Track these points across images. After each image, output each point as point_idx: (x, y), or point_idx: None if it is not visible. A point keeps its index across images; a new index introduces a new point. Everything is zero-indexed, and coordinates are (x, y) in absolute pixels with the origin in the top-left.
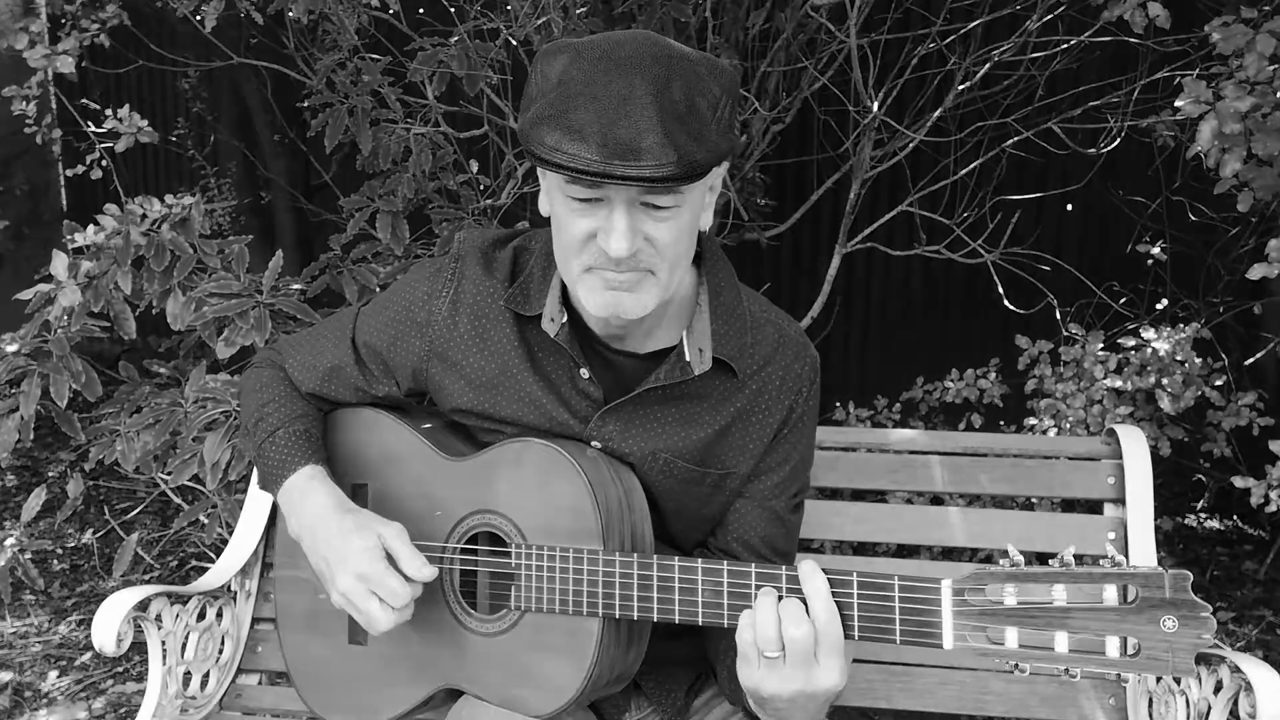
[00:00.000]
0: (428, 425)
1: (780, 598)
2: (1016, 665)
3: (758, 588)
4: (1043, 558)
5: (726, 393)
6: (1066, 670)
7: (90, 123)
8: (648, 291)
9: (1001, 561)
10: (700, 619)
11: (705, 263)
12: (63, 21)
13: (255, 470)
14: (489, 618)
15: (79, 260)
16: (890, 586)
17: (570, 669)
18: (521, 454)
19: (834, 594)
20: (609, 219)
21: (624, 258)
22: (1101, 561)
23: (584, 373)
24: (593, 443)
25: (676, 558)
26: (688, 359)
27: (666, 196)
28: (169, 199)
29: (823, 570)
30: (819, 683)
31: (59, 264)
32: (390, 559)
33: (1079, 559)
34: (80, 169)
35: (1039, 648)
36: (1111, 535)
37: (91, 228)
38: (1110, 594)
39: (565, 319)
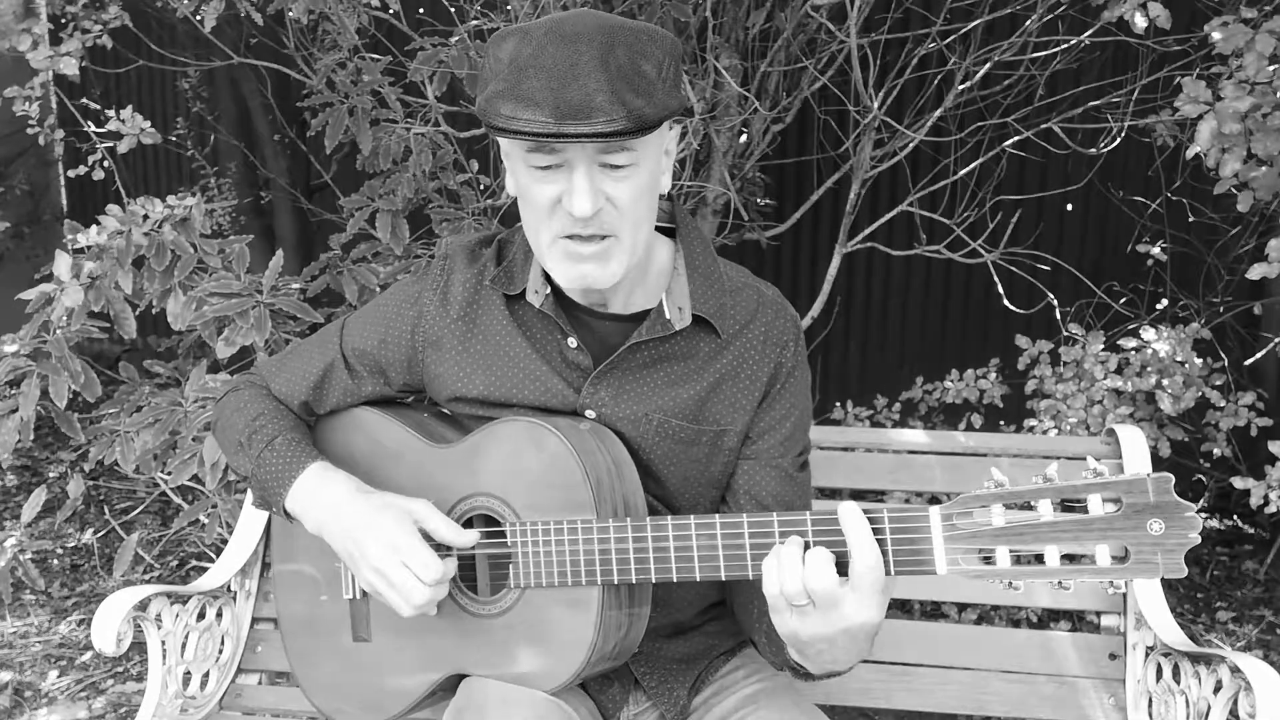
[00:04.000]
0: (412, 416)
1: (808, 545)
2: (1010, 583)
3: (754, 537)
4: (1041, 558)
5: (711, 352)
6: (1060, 583)
7: (91, 123)
8: (615, 259)
9: (987, 484)
10: (698, 574)
11: (680, 232)
12: (63, 21)
13: (252, 487)
14: (491, 599)
15: (81, 260)
16: (880, 519)
17: (574, 639)
18: (506, 433)
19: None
20: (571, 180)
21: (588, 217)
22: (1084, 474)
23: (571, 342)
24: (586, 412)
25: (669, 517)
26: (668, 315)
27: (622, 154)
28: (171, 199)
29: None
30: (856, 618)
31: (62, 264)
32: (424, 536)
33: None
34: (82, 169)
35: (1031, 563)
36: None
37: (94, 228)
38: (1095, 504)
39: (549, 290)
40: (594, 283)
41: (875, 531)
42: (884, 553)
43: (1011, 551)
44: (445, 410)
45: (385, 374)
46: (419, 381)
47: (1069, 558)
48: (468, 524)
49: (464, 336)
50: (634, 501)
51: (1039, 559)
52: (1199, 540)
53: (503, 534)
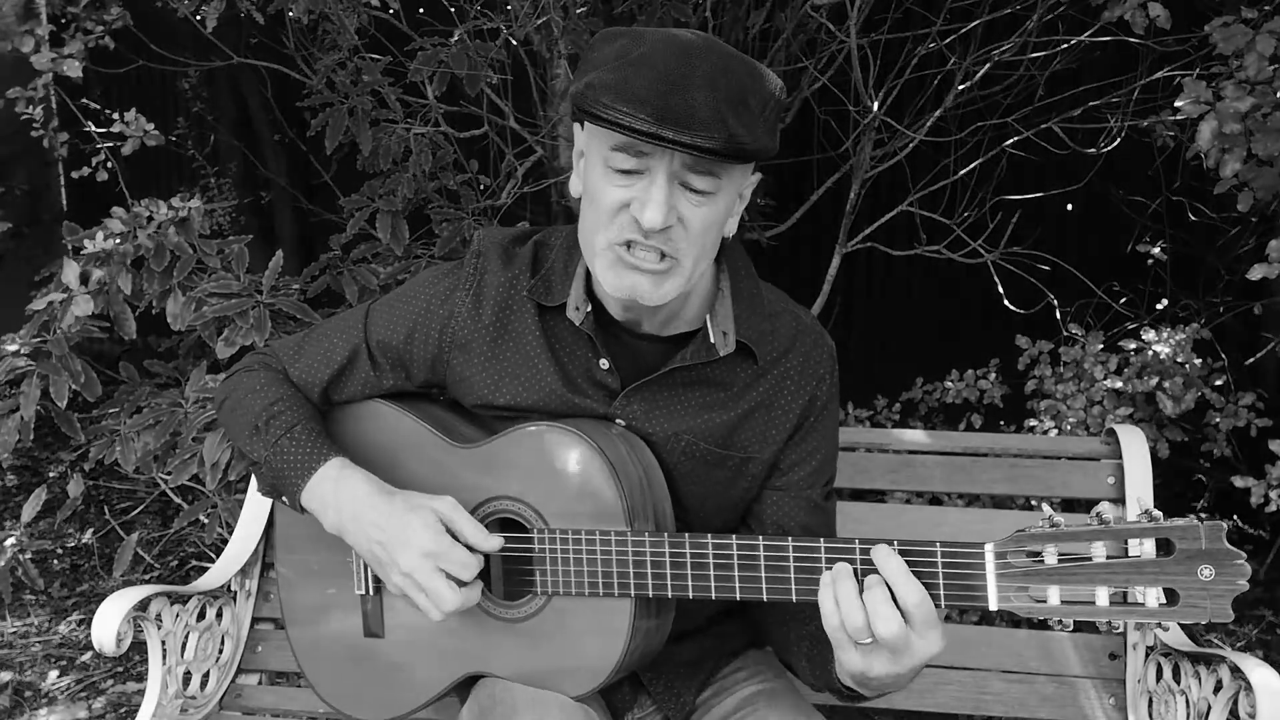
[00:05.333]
0: (429, 411)
1: (857, 572)
2: (1060, 621)
3: (799, 560)
4: (1091, 598)
5: (748, 380)
6: (1109, 623)
7: (91, 123)
8: (670, 282)
9: (1041, 522)
10: (738, 594)
11: (725, 253)
12: (64, 22)
13: (261, 473)
14: (514, 603)
15: (90, 269)
16: (933, 554)
17: (604, 648)
18: (537, 439)
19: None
20: (647, 190)
21: (656, 230)
22: (1138, 517)
23: (603, 363)
24: (616, 420)
25: (710, 535)
26: (712, 340)
27: (705, 179)
28: (175, 201)
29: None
30: (924, 652)
31: (70, 272)
32: (450, 534)
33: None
34: (86, 170)
35: (1081, 603)
36: None
37: (100, 234)
38: (1148, 548)
39: (590, 308)
40: (640, 297)
41: (928, 565)
42: (935, 586)
43: (1063, 591)
44: (465, 407)
45: (408, 369)
46: (441, 379)
47: (1119, 599)
48: (488, 528)
49: (494, 343)
50: (663, 509)
51: (1089, 599)
52: (1247, 587)
53: (526, 539)
